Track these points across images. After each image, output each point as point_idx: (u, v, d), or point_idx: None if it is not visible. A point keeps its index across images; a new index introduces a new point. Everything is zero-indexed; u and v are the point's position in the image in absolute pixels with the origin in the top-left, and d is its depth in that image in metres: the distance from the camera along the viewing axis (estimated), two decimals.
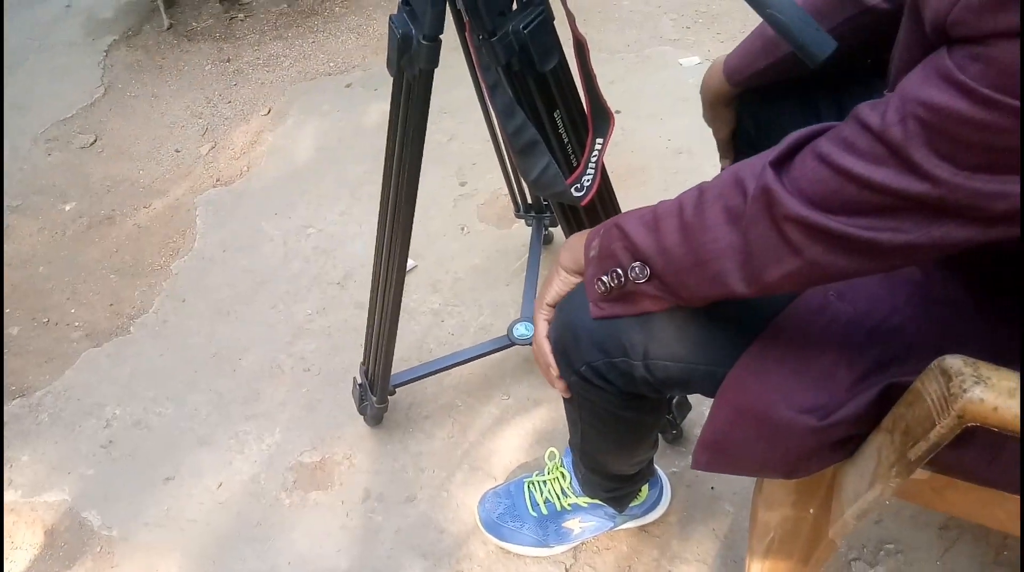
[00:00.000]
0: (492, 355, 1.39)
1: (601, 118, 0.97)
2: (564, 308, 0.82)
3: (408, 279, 1.68)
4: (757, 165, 0.59)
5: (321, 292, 1.68)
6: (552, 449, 1.21)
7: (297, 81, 2.38)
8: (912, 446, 0.62)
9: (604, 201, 1.09)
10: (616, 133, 2.02)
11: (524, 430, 1.36)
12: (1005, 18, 0.42)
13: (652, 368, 0.78)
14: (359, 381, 1.32)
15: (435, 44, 0.87)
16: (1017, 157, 0.45)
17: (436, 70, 0.89)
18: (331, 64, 2.43)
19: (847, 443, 0.73)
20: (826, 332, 0.72)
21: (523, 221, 1.64)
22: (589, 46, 0.92)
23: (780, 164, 0.57)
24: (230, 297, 1.72)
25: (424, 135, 0.97)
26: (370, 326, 1.23)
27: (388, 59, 0.94)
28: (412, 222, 1.05)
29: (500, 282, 1.63)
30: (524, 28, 0.85)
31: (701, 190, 0.64)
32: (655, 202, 0.71)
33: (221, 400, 1.51)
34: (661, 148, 1.92)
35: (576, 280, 0.81)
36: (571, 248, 0.82)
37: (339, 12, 2.69)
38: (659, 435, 1.23)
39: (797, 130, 0.59)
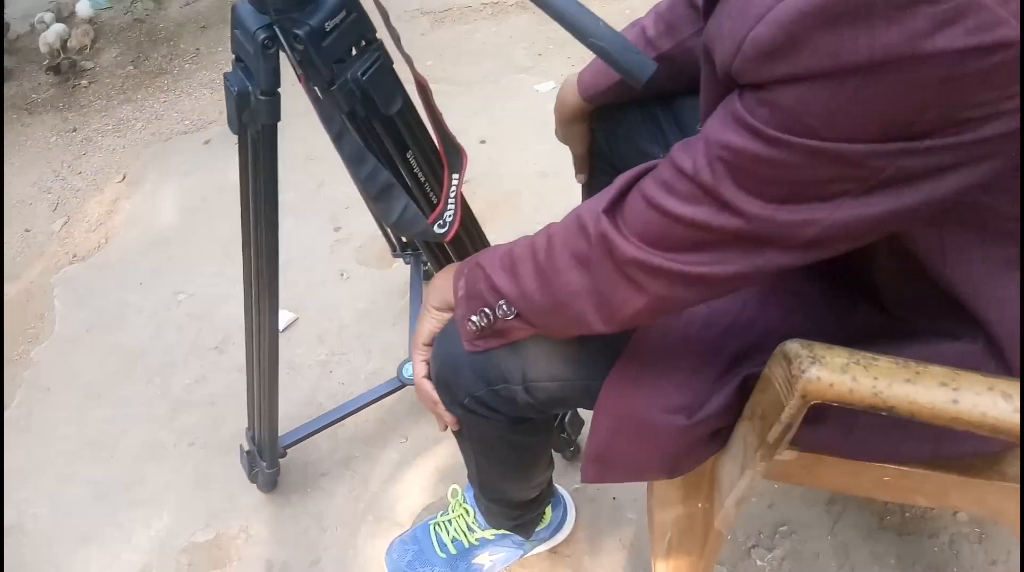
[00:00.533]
0: (386, 399, 1.37)
1: (453, 154, 0.99)
2: (440, 343, 0.83)
3: (290, 333, 1.64)
4: (596, 209, 0.61)
5: (199, 360, 1.61)
6: (454, 486, 1.20)
7: (151, 143, 2.29)
8: (769, 430, 0.65)
9: (470, 233, 1.11)
10: (483, 162, 2.06)
11: (426, 471, 1.35)
12: (779, 67, 0.46)
13: (532, 390, 0.79)
14: (246, 448, 1.27)
15: (274, 98, 0.86)
16: (814, 187, 0.49)
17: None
18: (186, 122, 2.36)
19: (718, 436, 0.77)
20: (686, 334, 0.75)
21: (402, 259, 1.64)
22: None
23: (613, 209, 0.60)
24: (99, 379, 1.62)
25: (276, 191, 0.95)
26: (250, 389, 1.19)
27: (228, 118, 0.92)
28: (278, 277, 1.03)
29: (386, 324, 1.62)
30: (363, 75, 0.86)
31: (550, 235, 0.66)
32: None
33: (100, 490, 1.42)
34: (529, 172, 1.97)
35: (447, 316, 0.82)
36: (438, 287, 0.82)
37: (190, 69, 2.62)
38: (555, 454, 1.25)
39: (626, 172, 0.62)
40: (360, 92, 0.86)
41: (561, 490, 1.22)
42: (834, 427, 0.72)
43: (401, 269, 1.70)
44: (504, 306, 0.70)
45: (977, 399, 0.56)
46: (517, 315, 0.70)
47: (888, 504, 1.21)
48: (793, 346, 0.62)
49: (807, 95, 0.45)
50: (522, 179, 1.96)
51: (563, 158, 1.95)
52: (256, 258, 1.00)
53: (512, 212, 1.89)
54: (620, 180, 0.61)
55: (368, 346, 1.58)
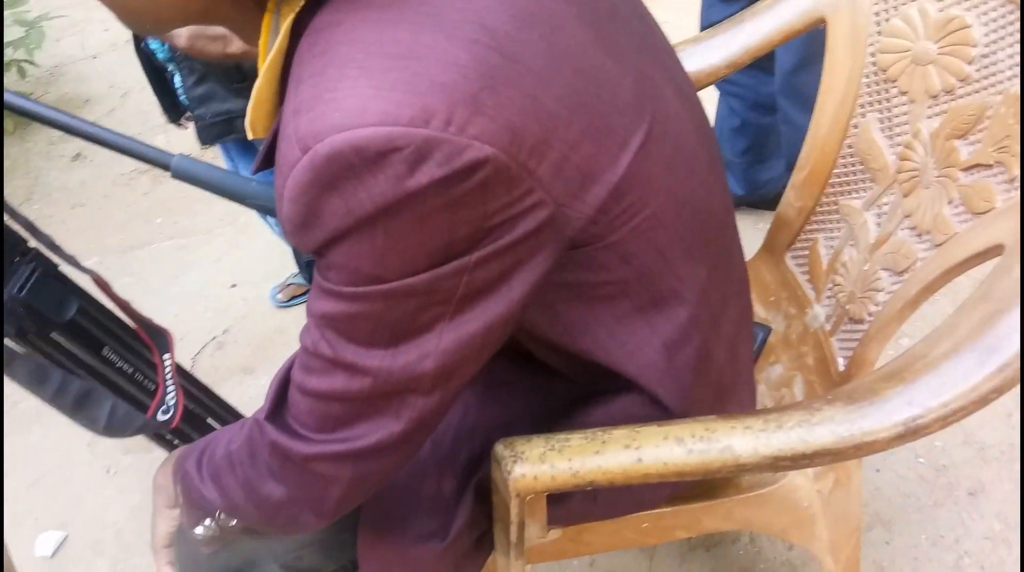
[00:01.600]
0: None
1: (157, 335, 0.94)
2: (179, 545, 0.77)
3: (62, 555, 1.46)
4: (261, 418, 0.60)
5: None
6: None
7: None
8: (512, 527, 0.67)
9: (205, 406, 1.06)
10: (239, 306, 1.99)
11: None
12: (316, 235, 0.48)
13: (289, 566, 0.76)
14: None
15: None
16: (410, 323, 0.52)
17: None
18: None
19: (484, 541, 0.77)
20: (418, 457, 0.76)
21: None
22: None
23: (276, 411, 0.60)
24: None
25: None
26: None
27: None
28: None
29: None
30: (20, 290, 0.80)
31: (238, 447, 0.64)
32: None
33: None
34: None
35: (178, 512, 0.77)
36: (161, 487, 0.77)
37: None
38: None
39: (280, 368, 0.62)
40: (23, 308, 0.81)
41: None
42: (579, 498, 0.75)
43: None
44: (223, 516, 0.67)
45: (657, 452, 0.61)
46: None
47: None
48: (498, 448, 0.64)
49: (351, 250, 0.48)
50: (281, 315, 1.92)
51: None
52: None
53: (282, 349, 1.83)
54: (273, 382, 0.61)
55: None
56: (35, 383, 0.80)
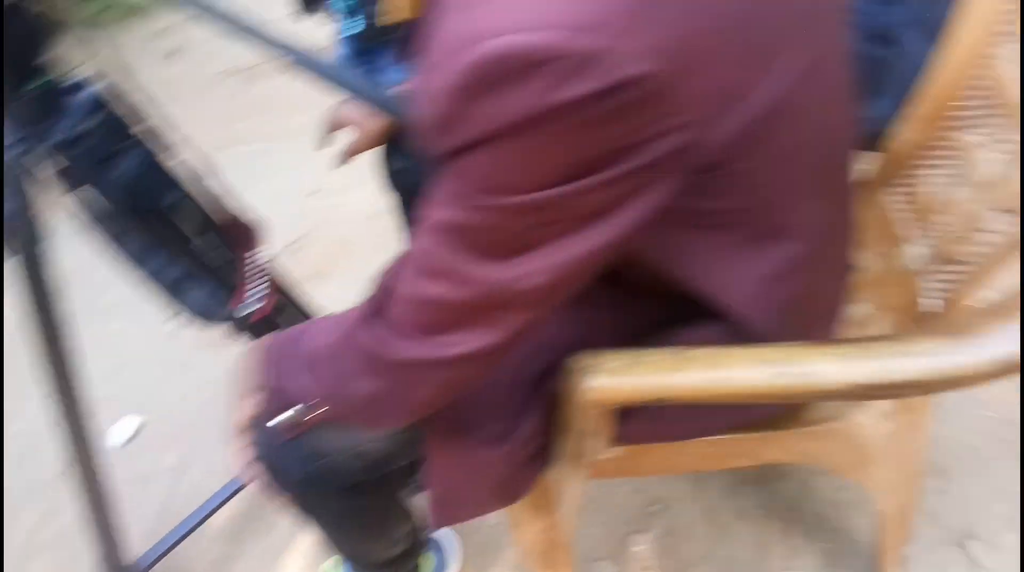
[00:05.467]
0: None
1: (242, 232, 0.97)
2: (257, 428, 0.81)
3: (138, 441, 1.55)
4: (365, 312, 0.61)
5: (41, 496, 1.48)
6: (324, 566, 1.17)
7: None
8: (578, 440, 0.68)
9: (286, 306, 1.09)
10: (314, 215, 2.03)
11: (308, 549, 1.31)
12: (453, 139, 0.49)
13: (359, 455, 0.79)
14: None
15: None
16: (526, 238, 0.52)
17: None
18: None
19: (543, 453, 0.79)
20: None
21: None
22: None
23: (380, 306, 0.61)
24: None
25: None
26: (88, 517, 1.11)
27: None
28: (80, 394, 0.97)
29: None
30: (126, 173, 0.83)
31: (332, 343, 0.66)
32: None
33: None
34: (364, 214, 1.96)
35: (262, 397, 0.80)
36: (249, 373, 0.81)
37: None
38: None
39: (384, 270, 0.63)
40: (127, 190, 0.84)
41: (438, 533, 1.21)
42: (643, 418, 0.76)
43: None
44: (309, 405, 0.70)
45: (744, 374, 0.60)
46: (323, 410, 0.70)
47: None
48: (577, 358, 0.65)
49: (484, 159, 0.49)
50: (356, 225, 1.96)
51: None
52: (57, 377, 0.94)
53: (351, 260, 1.87)
54: (376, 279, 0.62)
55: (224, 433, 1.51)
56: (138, 261, 0.84)
